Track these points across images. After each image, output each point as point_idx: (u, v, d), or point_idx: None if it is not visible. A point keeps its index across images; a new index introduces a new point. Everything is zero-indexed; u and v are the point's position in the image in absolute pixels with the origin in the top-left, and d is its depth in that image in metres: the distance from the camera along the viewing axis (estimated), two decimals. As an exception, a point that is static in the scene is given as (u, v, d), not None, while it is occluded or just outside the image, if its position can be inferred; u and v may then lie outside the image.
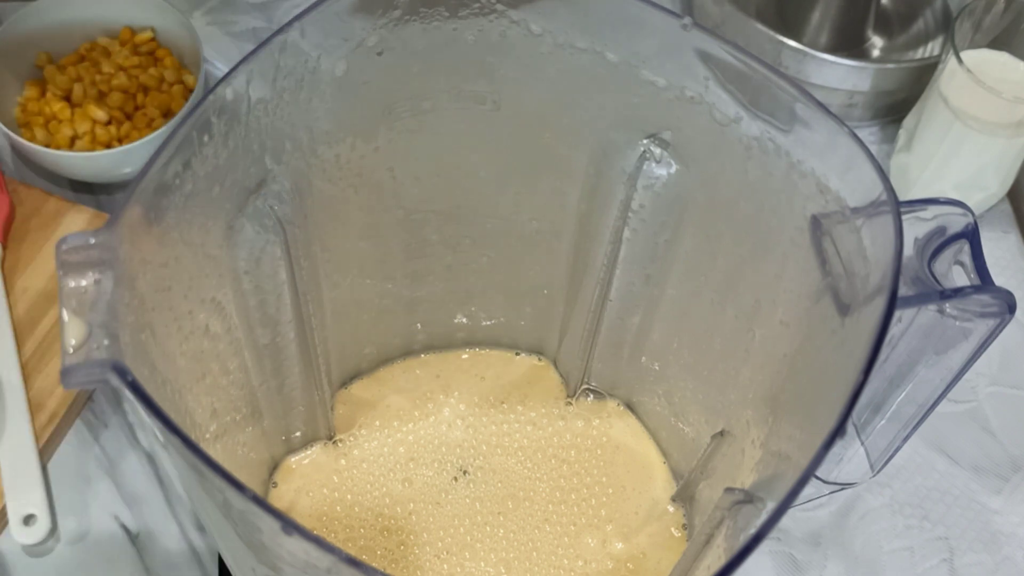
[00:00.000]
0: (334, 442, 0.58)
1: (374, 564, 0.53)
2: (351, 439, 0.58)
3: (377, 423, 0.59)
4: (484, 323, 0.61)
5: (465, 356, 0.62)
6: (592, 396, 0.61)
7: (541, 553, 0.56)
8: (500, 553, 0.55)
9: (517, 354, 0.62)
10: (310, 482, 0.57)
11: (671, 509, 0.57)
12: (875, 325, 0.35)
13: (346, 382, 0.60)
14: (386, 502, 0.56)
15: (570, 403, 0.60)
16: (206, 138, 0.39)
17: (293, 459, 0.57)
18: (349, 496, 0.57)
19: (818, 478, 0.51)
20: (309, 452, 0.57)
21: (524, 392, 0.61)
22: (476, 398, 0.60)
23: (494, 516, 0.57)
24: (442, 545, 0.56)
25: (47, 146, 0.64)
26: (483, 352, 0.62)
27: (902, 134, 0.69)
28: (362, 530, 0.56)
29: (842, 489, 0.54)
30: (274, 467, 0.57)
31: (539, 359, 0.62)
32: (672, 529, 0.57)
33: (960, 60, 0.61)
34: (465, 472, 0.58)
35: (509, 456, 0.58)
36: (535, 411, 0.60)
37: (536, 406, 0.60)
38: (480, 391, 0.61)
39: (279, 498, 0.56)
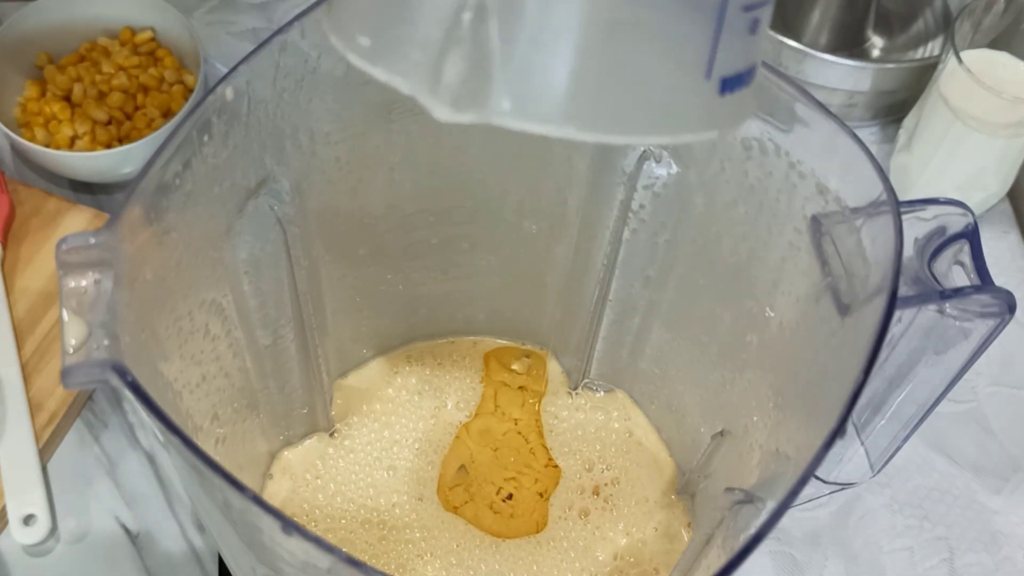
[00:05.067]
0: (331, 434, 0.58)
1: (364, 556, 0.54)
2: (346, 428, 0.58)
3: (374, 413, 0.59)
4: (483, 324, 0.61)
5: (464, 343, 0.62)
6: (594, 390, 0.61)
7: (534, 542, 0.56)
8: (482, 538, 0.56)
9: (523, 344, 0.62)
10: (304, 473, 0.57)
11: (675, 502, 0.57)
12: (875, 325, 0.35)
13: (343, 372, 0.60)
14: (370, 492, 0.56)
15: (571, 394, 0.60)
16: (206, 138, 0.39)
17: (289, 451, 0.57)
18: (342, 486, 0.57)
19: (818, 478, 0.51)
20: (306, 443, 0.57)
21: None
22: (475, 386, 0.60)
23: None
24: (440, 522, 0.56)
25: (47, 146, 0.64)
26: (483, 340, 0.62)
27: (902, 134, 0.69)
28: (343, 520, 0.56)
29: (842, 489, 0.54)
30: (271, 460, 0.57)
31: (540, 348, 0.62)
32: (675, 523, 0.56)
33: (960, 60, 0.61)
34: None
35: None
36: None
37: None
38: (479, 378, 0.61)
39: (275, 491, 0.56)
